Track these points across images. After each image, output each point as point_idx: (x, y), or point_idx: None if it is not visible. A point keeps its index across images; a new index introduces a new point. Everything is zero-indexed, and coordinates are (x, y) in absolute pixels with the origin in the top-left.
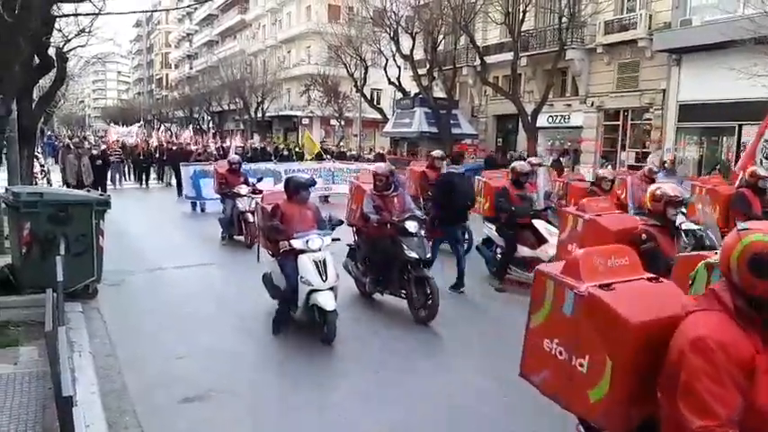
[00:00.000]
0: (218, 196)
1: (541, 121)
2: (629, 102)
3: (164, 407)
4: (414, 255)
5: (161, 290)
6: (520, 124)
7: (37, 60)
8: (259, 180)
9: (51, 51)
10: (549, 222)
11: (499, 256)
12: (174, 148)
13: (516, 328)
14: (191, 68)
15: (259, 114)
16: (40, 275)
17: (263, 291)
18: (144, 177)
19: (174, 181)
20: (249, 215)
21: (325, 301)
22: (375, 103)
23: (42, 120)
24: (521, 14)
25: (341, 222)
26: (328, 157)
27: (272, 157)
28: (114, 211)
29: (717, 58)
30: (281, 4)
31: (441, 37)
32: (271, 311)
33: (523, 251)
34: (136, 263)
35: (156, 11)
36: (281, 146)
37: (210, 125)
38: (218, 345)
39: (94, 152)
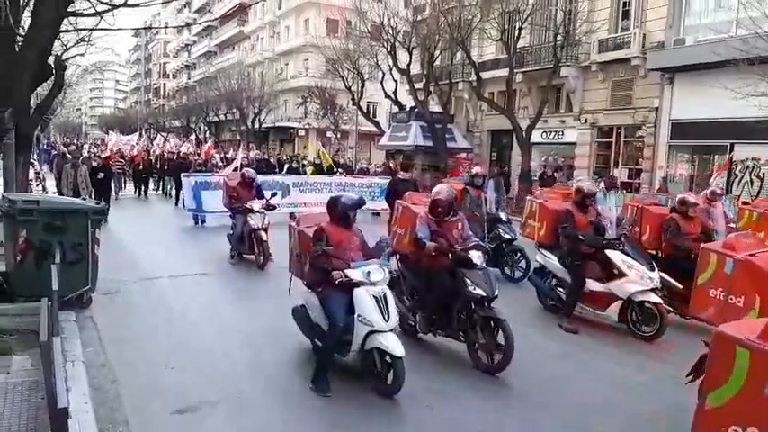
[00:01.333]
0: (222, 210)
1: (536, 136)
2: (622, 119)
3: (157, 418)
4: (480, 292)
5: (156, 299)
6: (514, 139)
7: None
8: (273, 195)
9: (50, 59)
10: (626, 253)
11: (560, 290)
12: (176, 158)
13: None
14: (188, 78)
15: (256, 125)
16: (34, 283)
17: (260, 302)
18: (143, 188)
19: (174, 192)
20: (262, 233)
21: (391, 344)
22: (371, 116)
23: (39, 127)
24: (516, 31)
25: (394, 252)
26: (340, 170)
27: (277, 169)
28: (112, 222)
29: (709, 77)
30: (279, 17)
31: (437, 52)
32: (272, 326)
33: (592, 285)
34: (131, 272)
35: (155, 28)
36: (286, 157)
37: (208, 134)
38: (211, 356)
39: (95, 164)
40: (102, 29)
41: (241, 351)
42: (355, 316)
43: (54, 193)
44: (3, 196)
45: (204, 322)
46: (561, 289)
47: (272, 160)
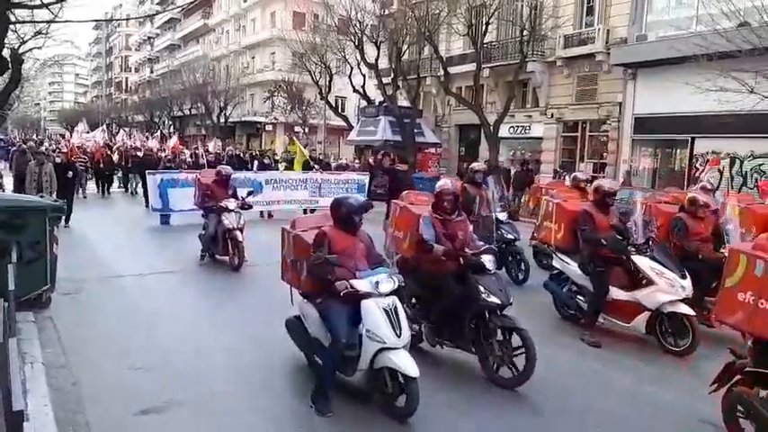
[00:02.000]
0: (190, 208)
1: (503, 131)
2: (587, 114)
3: (119, 420)
4: (495, 300)
5: (118, 299)
6: (482, 134)
7: None
8: (249, 194)
9: (6, 53)
10: (654, 259)
11: (580, 298)
12: (140, 154)
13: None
14: (151, 72)
15: (222, 120)
16: None
17: (228, 300)
18: (105, 186)
19: (140, 189)
20: (238, 233)
21: (404, 363)
22: (340, 110)
23: None
24: (483, 26)
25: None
26: (316, 166)
27: (249, 165)
28: (74, 222)
29: (671, 72)
30: (245, 9)
31: (405, 47)
32: (241, 324)
33: (616, 294)
34: (92, 271)
35: (115, 20)
36: (257, 153)
37: (172, 129)
38: (177, 356)
39: (58, 160)
40: (59, 21)
41: (207, 350)
42: (363, 331)
43: (11, 190)
44: None
45: (169, 322)
46: (581, 297)
47: (242, 155)
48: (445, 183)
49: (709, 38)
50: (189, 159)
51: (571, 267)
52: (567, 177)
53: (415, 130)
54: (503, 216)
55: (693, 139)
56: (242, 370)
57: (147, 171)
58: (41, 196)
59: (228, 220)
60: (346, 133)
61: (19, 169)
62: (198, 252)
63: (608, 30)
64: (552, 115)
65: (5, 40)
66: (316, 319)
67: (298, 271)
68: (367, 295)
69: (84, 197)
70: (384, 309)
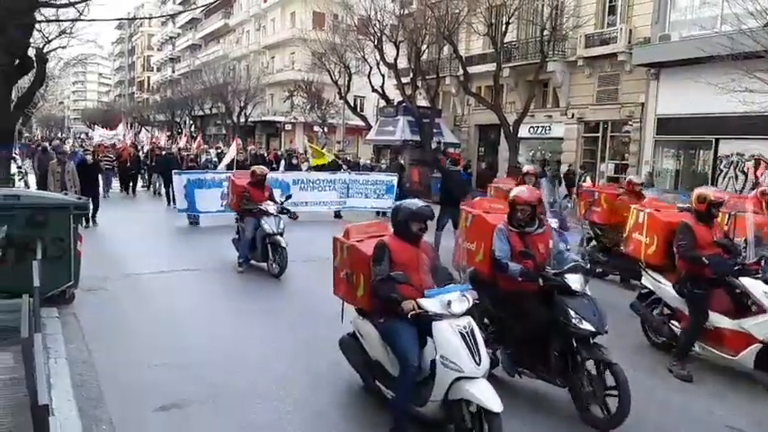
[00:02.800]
0: (217, 210)
1: (523, 131)
2: (608, 114)
3: (140, 415)
4: (588, 326)
5: (140, 295)
6: (502, 134)
7: (16, 61)
8: (288, 198)
9: (31, 52)
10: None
11: (674, 324)
12: (165, 153)
13: None
14: (173, 72)
15: (242, 119)
16: (15, 280)
17: (249, 299)
18: (131, 185)
19: (163, 190)
20: (280, 239)
21: (485, 395)
22: (358, 110)
23: (20, 121)
24: (503, 26)
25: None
26: (345, 167)
27: (274, 165)
28: (99, 221)
29: (694, 72)
30: (265, 9)
31: (424, 46)
32: (261, 323)
33: (719, 321)
34: (114, 268)
35: (138, 18)
36: (282, 152)
37: (193, 129)
38: (197, 353)
39: (89, 157)
40: (83, 20)
41: (229, 348)
42: (437, 357)
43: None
44: None
45: (191, 319)
46: (676, 323)
47: (267, 156)
48: (520, 190)
49: (735, 37)
50: (215, 159)
51: (664, 288)
52: (587, 178)
53: (434, 130)
54: (554, 224)
55: (717, 140)
56: (263, 368)
57: (173, 171)
58: (65, 194)
59: (268, 225)
60: (365, 133)
61: (42, 168)
62: (225, 252)
63: (630, 29)
64: (573, 115)
65: (30, 40)
66: (376, 340)
67: (352, 286)
68: (438, 316)
69: (106, 196)
70: (460, 332)
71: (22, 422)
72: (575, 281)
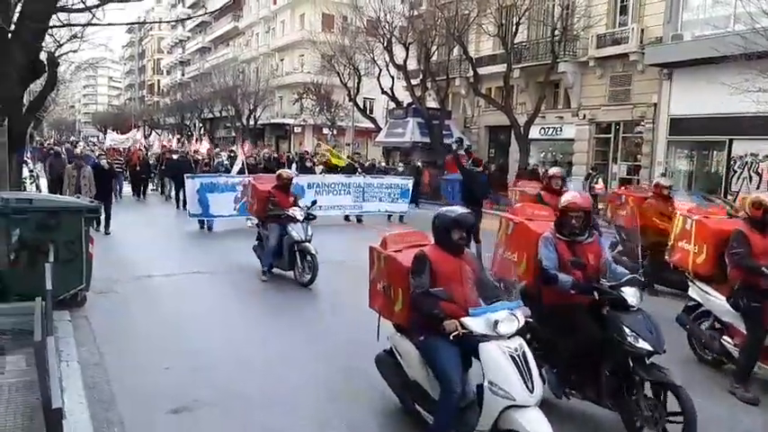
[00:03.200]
0: (230, 214)
1: (534, 132)
2: (620, 115)
3: (151, 417)
4: (645, 345)
5: (151, 298)
6: (512, 135)
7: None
8: (313, 203)
9: (42, 56)
10: None
11: (726, 339)
12: (176, 157)
13: None
14: (183, 75)
15: (251, 122)
16: (28, 283)
17: (261, 302)
18: (141, 189)
19: (173, 193)
20: (309, 246)
21: (539, 428)
22: (368, 112)
23: (32, 125)
24: (514, 27)
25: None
26: (360, 170)
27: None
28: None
29: (707, 72)
30: (274, 12)
31: (434, 48)
32: (273, 325)
33: None
34: (126, 271)
35: (149, 23)
36: (295, 155)
37: (202, 131)
38: (206, 355)
39: (104, 162)
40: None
41: (240, 352)
42: (484, 383)
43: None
44: None
45: (202, 322)
46: (728, 339)
47: (277, 157)
48: (573, 196)
49: (749, 37)
50: (226, 162)
51: (716, 301)
52: (599, 179)
53: (444, 132)
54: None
55: (731, 141)
56: (275, 373)
57: (185, 175)
58: (78, 197)
59: (296, 232)
60: (374, 135)
61: (54, 172)
62: (236, 255)
63: (642, 29)
64: (584, 116)
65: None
66: (416, 360)
67: (390, 300)
68: (484, 337)
69: (118, 200)
70: (510, 355)
71: (35, 425)
72: (631, 295)
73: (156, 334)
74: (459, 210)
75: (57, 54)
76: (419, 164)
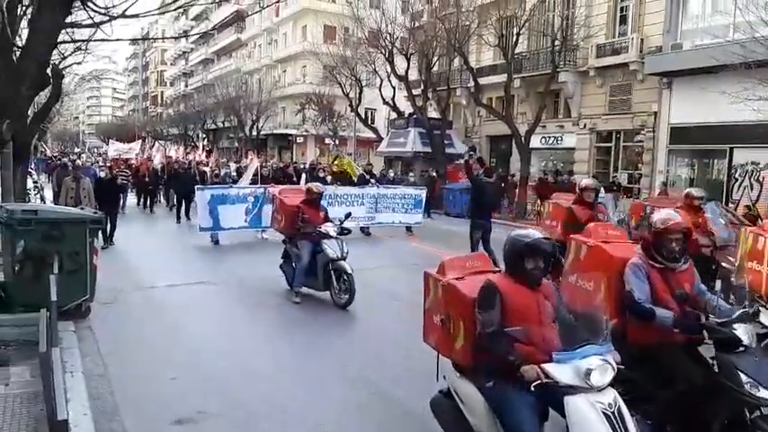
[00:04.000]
0: (240, 226)
1: (534, 142)
2: (621, 124)
3: (155, 429)
4: (766, 395)
5: (155, 309)
6: (513, 145)
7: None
8: (347, 216)
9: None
10: None
11: None
12: (178, 167)
13: None
14: (186, 86)
15: (254, 132)
16: (32, 294)
17: (268, 313)
18: (149, 201)
19: (176, 204)
20: (345, 264)
21: None
22: (369, 122)
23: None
24: (514, 37)
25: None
26: (373, 181)
27: (295, 179)
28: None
29: (707, 81)
30: (277, 24)
31: (435, 58)
32: (277, 334)
33: None
34: (130, 281)
35: (153, 38)
36: (303, 165)
37: (206, 142)
38: (210, 365)
39: (102, 174)
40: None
41: (245, 364)
42: None
43: (51, 202)
44: (1, 206)
45: (207, 334)
46: None
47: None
48: (668, 214)
49: (748, 46)
50: (234, 174)
51: None
52: (601, 188)
53: (445, 142)
54: None
55: (732, 149)
56: (281, 384)
57: (196, 187)
58: (82, 208)
59: (332, 249)
60: (376, 145)
61: (60, 184)
62: (241, 266)
63: (642, 39)
64: (585, 125)
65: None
66: (481, 408)
67: (450, 334)
68: (571, 389)
69: (123, 213)
70: (604, 412)
71: None
72: (744, 333)
73: (160, 344)
74: (534, 234)
75: (61, 66)
76: (434, 173)
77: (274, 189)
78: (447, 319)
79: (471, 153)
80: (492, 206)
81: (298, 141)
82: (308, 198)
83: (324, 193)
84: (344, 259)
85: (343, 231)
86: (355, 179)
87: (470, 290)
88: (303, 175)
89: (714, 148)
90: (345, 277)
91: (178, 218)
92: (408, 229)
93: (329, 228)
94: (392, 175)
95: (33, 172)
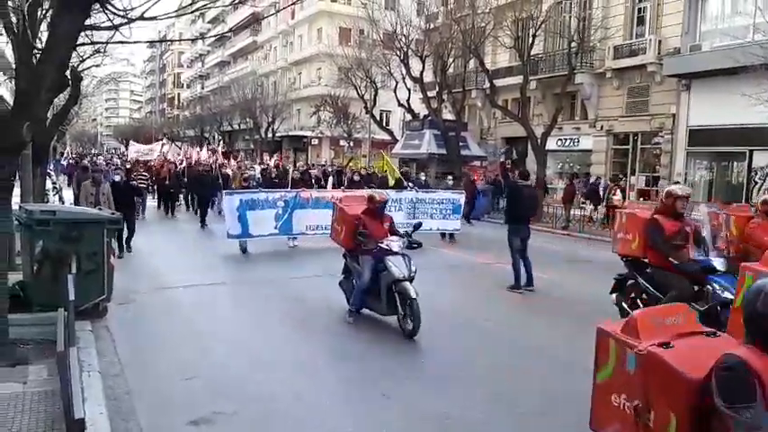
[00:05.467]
0: (270, 233)
1: (551, 144)
2: (638, 126)
3: (170, 429)
4: None
5: (171, 309)
6: (529, 147)
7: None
8: (417, 227)
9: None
10: None
11: None
12: (201, 170)
13: None
14: (202, 88)
15: (269, 134)
16: (50, 293)
17: (283, 313)
18: (171, 205)
19: (198, 208)
20: (410, 287)
21: None
22: (384, 124)
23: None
24: (530, 39)
25: None
26: (410, 185)
27: (322, 182)
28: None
29: (727, 83)
30: (292, 26)
31: (450, 60)
32: (291, 336)
33: None
34: (146, 282)
35: (170, 41)
36: (332, 168)
37: (222, 144)
38: (226, 366)
39: (117, 178)
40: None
41: (261, 365)
42: None
43: (71, 202)
44: (20, 206)
45: (223, 334)
46: None
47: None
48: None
49: None
50: (258, 176)
51: None
52: (617, 191)
53: (461, 144)
54: (719, 264)
55: (751, 151)
56: (298, 386)
57: (224, 191)
58: (99, 209)
59: (397, 268)
60: (391, 147)
61: (79, 188)
62: (255, 265)
63: (660, 40)
64: (602, 127)
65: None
66: None
67: (648, 428)
68: None
69: (142, 218)
70: None
71: None
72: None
73: (176, 344)
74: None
75: (80, 69)
76: (473, 176)
77: (306, 193)
78: (644, 407)
79: (507, 155)
80: (529, 211)
81: (313, 143)
82: (370, 207)
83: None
84: (411, 280)
85: (412, 245)
86: (392, 182)
87: (689, 366)
88: (330, 179)
89: (733, 151)
90: (409, 302)
91: (202, 222)
92: (445, 236)
93: (393, 242)
94: (423, 178)
95: (52, 173)
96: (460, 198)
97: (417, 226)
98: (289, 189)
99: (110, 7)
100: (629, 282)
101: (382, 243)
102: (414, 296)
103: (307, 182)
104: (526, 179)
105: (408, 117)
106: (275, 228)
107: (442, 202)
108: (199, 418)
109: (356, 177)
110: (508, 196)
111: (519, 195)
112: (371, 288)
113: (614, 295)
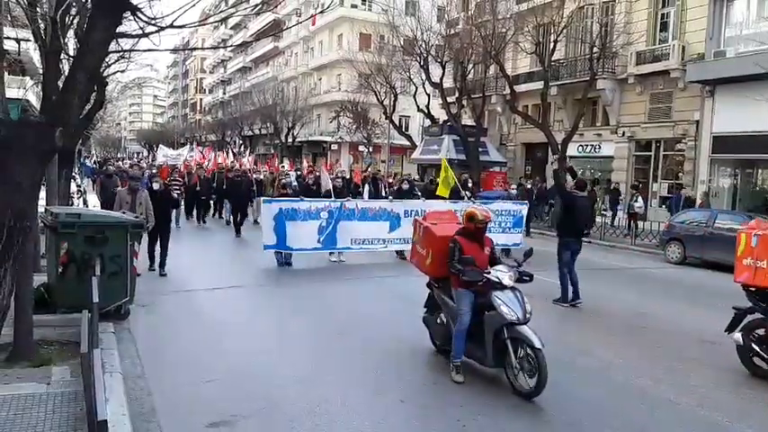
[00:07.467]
0: (313, 247)
1: (571, 150)
2: (661, 132)
3: (190, 430)
4: None
5: (193, 311)
6: (549, 153)
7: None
8: (527, 255)
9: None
10: None
11: None
12: (233, 176)
13: None
14: (224, 93)
15: (289, 139)
16: (74, 295)
17: (305, 317)
18: (202, 213)
19: (231, 217)
20: (527, 331)
21: None
22: (403, 129)
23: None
24: (551, 44)
25: None
26: (467, 194)
27: (360, 190)
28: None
29: (752, 89)
30: (313, 32)
31: (470, 66)
32: (317, 346)
33: None
34: (167, 284)
35: (194, 48)
36: (380, 173)
37: (243, 148)
38: (246, 369)
39: (156, 186)
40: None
41: (281, 368)
42: None
43: (95, 205)
44: (45, 209)
45: (243, 337)
46: None
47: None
48: None
49: None
50: (294, 183)
51: None
52: (638, 198)
53: (480, 149)
54: None
55: None
56: (319, 391)
57: (263, 198)
58: (123, 212)
59: (508, 307)
60: (410, 152)
61: (105, 195)
62: (270, 265)
63: (683, 46)
64: (624, 133)
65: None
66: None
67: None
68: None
69: (178, 227)
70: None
71: None
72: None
73: (197, 347)
74: None
75: (105, 74)
76: (529, 185)
77: (351, 203)
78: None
79: (561, 163)
80: (584, 223)
81: (332, 148)
82: (469, 228)
83: (409, 210)
84: (527, 322)
85: (523, 278)
86: (445, 192)
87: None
88: (366, 187)
89: (758, 158)
90: (530, 352)
91: (237, 230)
92: (508, 252)
93: (503, 273)
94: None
95: (77, 176)
96: (522, 209)
97: (528, 253)
98: (333, 198)
99: (140, 15)
100: (755, 317)
101: (489, 274)
102: (539, 346)
103: (349, 191)
104: (582, 189)
105: (427, 122)
106: (318, 241)
107: (502, 214)
108: (219, 421)
109: (405, 186)
110: (563, 208)
111: (573, 206)
112: (473, 331)
113: (738, 335)
